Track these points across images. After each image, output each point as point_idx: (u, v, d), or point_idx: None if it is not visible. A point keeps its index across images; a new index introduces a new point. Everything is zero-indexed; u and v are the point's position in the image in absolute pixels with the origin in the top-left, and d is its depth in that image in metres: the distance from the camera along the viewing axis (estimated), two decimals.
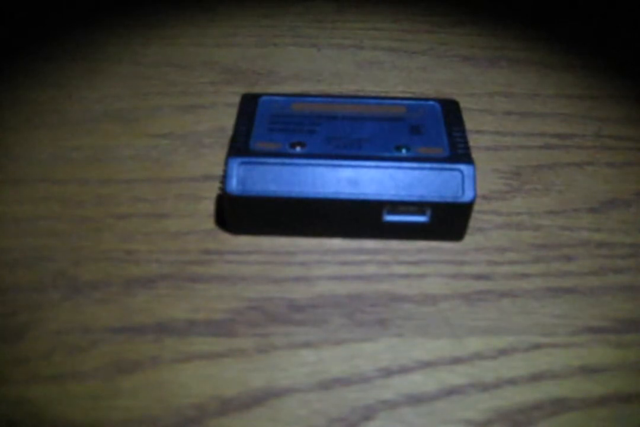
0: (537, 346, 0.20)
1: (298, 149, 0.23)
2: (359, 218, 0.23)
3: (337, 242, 0.23)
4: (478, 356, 0.20)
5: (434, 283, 0.22)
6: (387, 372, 0.19)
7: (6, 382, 0.19)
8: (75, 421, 0.18)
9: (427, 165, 0.22)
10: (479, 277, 0.22)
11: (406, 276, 0.22)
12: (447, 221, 0.23)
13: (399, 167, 0.22)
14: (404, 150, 0.23)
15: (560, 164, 0.27)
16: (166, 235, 0.24)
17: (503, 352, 0.20)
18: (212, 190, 0.25)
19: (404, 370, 0.20)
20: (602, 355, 0.20)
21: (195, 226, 0.24)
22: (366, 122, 0.24)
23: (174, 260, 0.23)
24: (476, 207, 0.25)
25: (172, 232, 0.24)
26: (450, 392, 0.19)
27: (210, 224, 0.24)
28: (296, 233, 0.24)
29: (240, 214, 0.23)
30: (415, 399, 0.19)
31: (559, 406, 0.19)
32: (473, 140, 0.28)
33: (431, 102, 0.26)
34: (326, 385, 0.19)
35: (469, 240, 0.24)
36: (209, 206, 0.25)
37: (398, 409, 0.19)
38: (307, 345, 0.20)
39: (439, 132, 0.24)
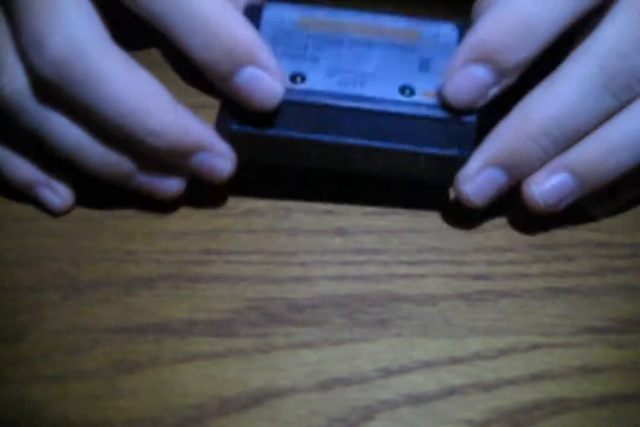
0: (537, 346, 0.20)
1: (298, 81, 0.22)
2: (353, 164, 0.23)
3: (337, 242, 0.23)
4: (478, 356, 0.20)
5: (434, 283, 0.22)
6: (387, 372, 0.19)
7: (6, 382, 0.19)
8: (75, 421, 0.18)
9: (428, 114, 0.22)
10: (478, 277, 0.22)
11: (406, 276, 0.22)
12: (439, 173, 0.23)
13: (398, 115, 0.22)
14: (407, 93, 0.22)
15: None
16: (166, 235, 0.24)
17: (503, 352, 0.20)
18: None
19: (404, 370, 0.20)
20: (602, 355, 0.20)
21: (195, 226, 0.24)
22: (374, 50, 0.23)
23: (174, 260, 0.23)
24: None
25: (172, 232, 0.24)
26: (450, 392, 0.19)
27: (210, 224, 0.24)
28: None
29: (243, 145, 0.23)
30: (415, 399, 0.19)
31: (559, 406, 0.19)
32: None
33: (449, 27, 0.24)
34: (326, 385, 0.19)
35: (469, 240, 0.24)
36: (209, 206, 0.25)
37: (398, 409, 0.19)
38: (307, 345, 0.20)
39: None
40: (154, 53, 0.35)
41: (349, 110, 0.22)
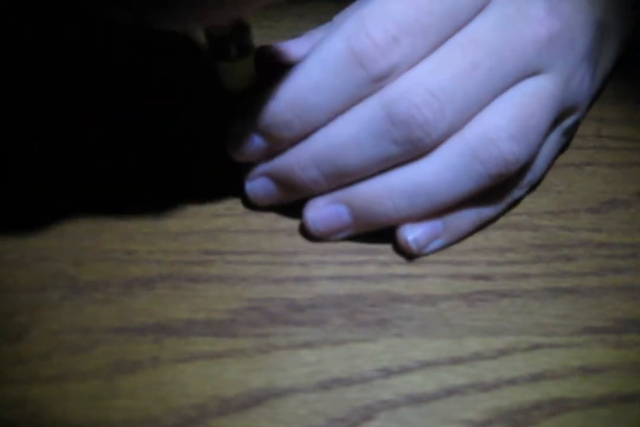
0: (537, 346, 0.20)
1: None
2: None
3: (337, 242, 0.23)
4: (478, 356, 0.20)
5: (434, 283, 0.22)
6: (387, 372, 0.19)
7: (6, 382, 0.19)
8: (75, 421, 0.18)
9: None
10: (478, 277, 0.22)
11: (406, 276, 0.22)
12: None
13: None
14: None
15: (559, 165, 0.27)
16: (166, 235, 0.24)
17: (503, 352, 0.20)
18: None
19: (404, 370, 0.20)
20: (602, 355, 0.20)
21: (195, 226, 0.24)
22: None
23: (174, 260, 0.23)
24: None
25: (172, 232, 0.24)
26: (450, 392, 0.19)
27: (210, 224, 0.24)
28: None
29: None
30: (415, 399, 0.19)
31: (559, 406, 0.19)
32: None
33: None
34: (326, 385, 0.19)
35: (468, 240, 0.24)
36: (209, 206, 0.25)
37: (398, 409, 0.19)
38: (307, 345, 0.20)
39: None
40: None
41: None
